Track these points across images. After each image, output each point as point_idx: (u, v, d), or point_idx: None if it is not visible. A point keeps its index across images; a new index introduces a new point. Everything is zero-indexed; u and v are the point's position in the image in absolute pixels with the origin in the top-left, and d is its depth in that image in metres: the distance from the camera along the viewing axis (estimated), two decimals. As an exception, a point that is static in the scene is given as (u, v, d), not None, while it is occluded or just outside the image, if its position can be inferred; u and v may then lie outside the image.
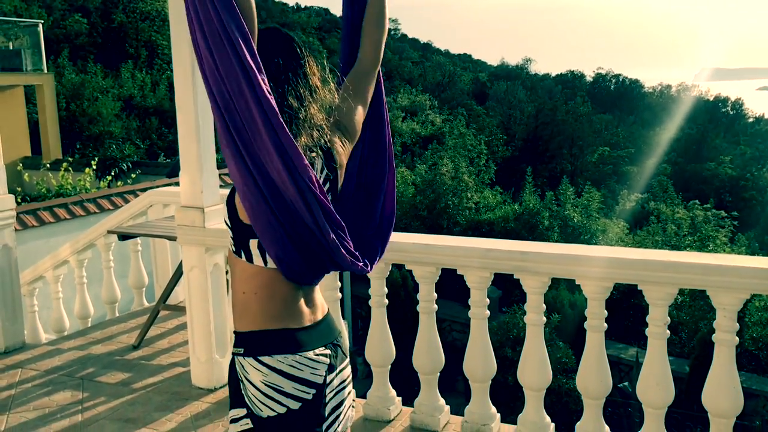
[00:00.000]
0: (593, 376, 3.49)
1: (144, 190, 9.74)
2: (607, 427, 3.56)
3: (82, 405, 4.21)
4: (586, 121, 37.15)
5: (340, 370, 2.03)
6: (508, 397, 11.97)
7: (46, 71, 17.19)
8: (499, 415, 3.82)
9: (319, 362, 1.95)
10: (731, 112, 54.85)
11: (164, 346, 5.26)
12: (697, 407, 11.27)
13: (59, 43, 29.95)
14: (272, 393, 1.89)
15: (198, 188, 4.20)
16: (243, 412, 1.95)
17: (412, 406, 3.91)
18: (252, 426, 1.93)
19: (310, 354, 1.93)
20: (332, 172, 1.97)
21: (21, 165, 12.86)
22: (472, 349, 3.72)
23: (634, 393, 12.92)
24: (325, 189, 1.95)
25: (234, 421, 1.98)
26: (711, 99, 58.58)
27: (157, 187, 9.24)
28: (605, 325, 3.48)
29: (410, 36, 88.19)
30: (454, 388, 14.43)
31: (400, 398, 4.05)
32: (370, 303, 3.88)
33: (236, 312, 1.97)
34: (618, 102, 58.87)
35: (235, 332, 1.98)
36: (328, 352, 1.99)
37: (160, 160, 20.94)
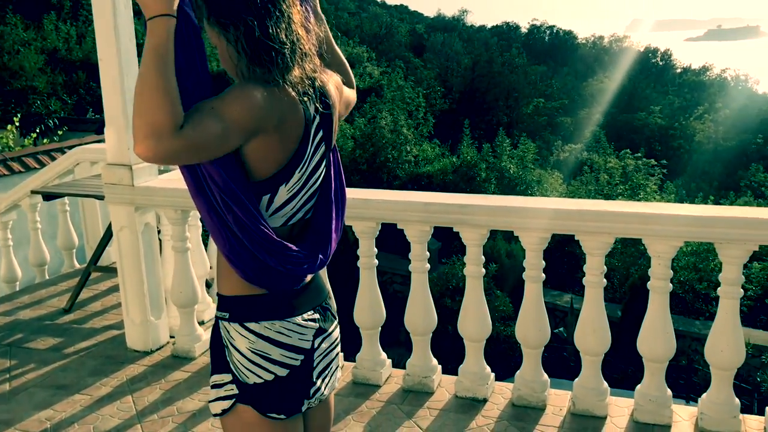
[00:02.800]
0: (532, 326, 3.53)
1: (72, 147, 9.35)
2: (545, 375, 3.62)
3: (9, 373, 4.05)
4: (522, 73, 37.49)
5: (329, 333, 1.97)
6: (449, 347, 12.19)
7: (-41, 22, 16.18)
8: (440, 366, 3.84)
9: (307, 327, 1.88)
10: (660, 63, 56.14)
11: (97, 309, 5.10)
12: (629, 350, 11.74)
13: (-27, -7, 28.24)
14: (259, 360, 1.82)
15: (125, 144, 4.02)
16: (227, 377, 1.88)
17: (354, 361, 3.89)
18: (237, 392, 1.87)
19: (298, 319, 1.86)
20: (326, 120, 1.85)
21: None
22: (413, 303, 3.71)
23: (569, 338, 13.33)
24: (319, 136, 1.84)
25: (217, 386, 1.90)
26: (641, 50, 59.80)
27: (86, 144, 8.88)
28: (543, 275, 3.51)
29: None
30: (397, 339, 14.62)
31: (341, 353, 4.03)
32: (358, 264, 3.78)
33: (220, 274, 1.87)
34: (552, 53, 59.54)
35: (218, 295, 1.89)
36: (316, 316, 1.92)
37: (88, 115, 20.16)
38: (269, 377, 1.83)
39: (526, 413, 3.50)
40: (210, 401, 1.93)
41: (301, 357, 1.86)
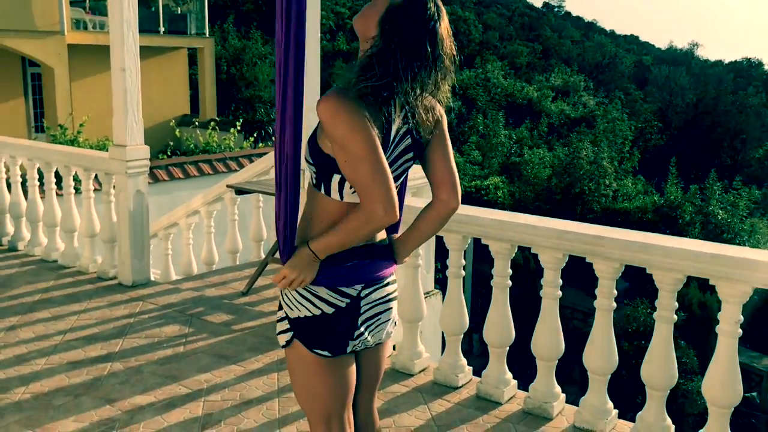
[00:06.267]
0: (659, 369, 3.43)
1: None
2: (668, 419, 3.51)
3: (186, 338, 4.69)
4: (754, 113, 34.44)
5: (380, 286, 2.21)
6: (626, 392, 11.65)
7: (207, 35, 18.39)
8: (564, 395, 3.85)
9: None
10: None
11: (269, 296, 5.67)
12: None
13: (226, 10, 31.77)
14: (308, 295, 2.12)
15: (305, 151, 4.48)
16: (284, 313, 2.21)
17: (527, 390, 3.90)
18: (289, 327, 2.19)
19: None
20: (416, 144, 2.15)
21: (173, 121, 13.98)
22: (541, 329, 3.77)
23: (760, 404, 12.15)
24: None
25: (280, 320, 2.25)
26: None
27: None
28: (674, 317, 3.41)
29: (574, 14, 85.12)
30: (571, 377, 14.22)
31: (470, 368, 4.17)
32: (492, 283, 3.92)
33: (302, 230, 2.17)
34: (798, 95, 54.08)
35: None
36: None
37: (305, 125, 21.73)
38: (317, 312, 2.11)
39: (642, 455, 3.42)
40: (277, 333, 2.25)
41: (347, 300, 2.12)
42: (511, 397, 3.96)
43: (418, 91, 2.04)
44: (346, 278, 2.12)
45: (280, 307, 2.23)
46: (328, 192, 2.10)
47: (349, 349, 2.17)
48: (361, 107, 1.98)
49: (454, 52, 2.08)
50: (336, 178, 2.07)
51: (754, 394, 12.82)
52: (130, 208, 5.52)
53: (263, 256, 6.93)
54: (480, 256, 14.14)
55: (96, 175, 5.96)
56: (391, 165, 2.09)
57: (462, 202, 2.32)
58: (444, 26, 2.05)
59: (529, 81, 40.98)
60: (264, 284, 5.96)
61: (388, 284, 2.24)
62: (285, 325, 2.20)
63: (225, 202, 6.91)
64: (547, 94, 37.66)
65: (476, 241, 3.98)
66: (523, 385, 4.02)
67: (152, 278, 5.95)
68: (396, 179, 2.13)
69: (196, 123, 14.68)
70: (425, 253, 4.84)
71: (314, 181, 2.14)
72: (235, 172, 10.59)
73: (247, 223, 7.22)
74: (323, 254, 2.06)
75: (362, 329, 2.17)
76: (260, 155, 11.40)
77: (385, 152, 2.04)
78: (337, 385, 2.20)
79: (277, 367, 4.31)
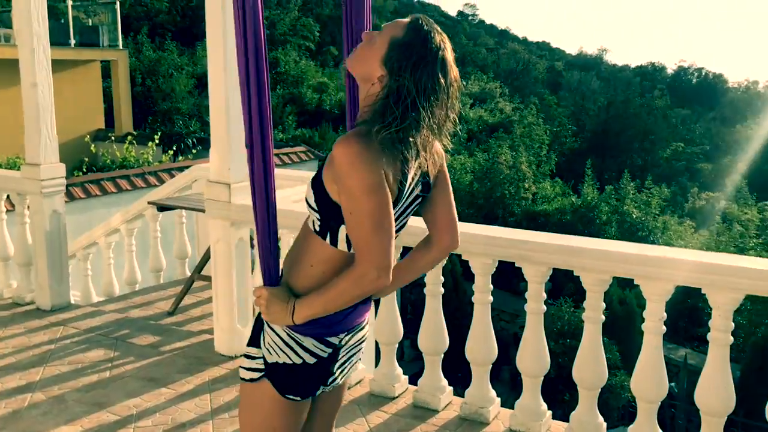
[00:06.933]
0: (588, 368, 3.52)
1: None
2: (600, 418, 3.60)
3: (112, 363, 4.51)
4: (661, 115, 36.15)
5: (358, 330, 2.13)
6: (553, 390, 11.93)
7: (121, 47, 17.87)
8: (498, 399, 3.90)
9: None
10: (820, 112, 52.17)
11: (196, 315, 5.54)
12: (744, 413, 11.00)
13: (139, 21, 30.99)
14: (293, 344, 2.00)
15: (226, 165, 4.40)
16: (260, 353, 2.08)
17: (461, 396, 3.93)
18: (263, 367, 2.06)
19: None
20: (425, 188, 2.06)
21: (88, 137, 13.52)
22: (473, 334, 3.81)
23: (678, 393, 12.68)
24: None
25: (249, 357, 2.11)
26: (800, 97, 55.95)
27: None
28: (602, 317, 3.52)
29: (487, 22, 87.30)
30: (500, 377, 14.48)
31: (406, 377, 4.18)
32: (425, 291, 3.94)
33: (291, 271, 2.04)
34: (698, 97, 57.31)
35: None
36: None
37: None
38: (298, 360, 2.00)
39: (577, 454, 3.49)
40: (240, 367, 2.14)
41: (330, 350, 2.03)
42: (448, 404, 3.98)
43: (436, 128, 1.94)
44: (333, 328, 2.03)
45: (255, 344, 2.10)
46: (334, 242, 1.97)
47: (318, 393, 2.11)
48: (382, 158, 1.85)
49: (459, 79, 1.99)
50: (345, 228, 1.95)
51: (673, 384, 13.38)
52: (46, 229, 5.29)
53: (189, 273, 6.77)
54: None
55: (8, 196, 5.69)
56: (403, 212, 2.01)
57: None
58: (449, 53, 1.95)
59: (448, 88, 41.62)
60: (191, 303, 5.82)
61: (364, 327, 2.16)
62: (258, 364, 2.08)
63: (146, 219, 6.71)
64: (465, 101, 38.40)
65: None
66: (455, 388, 4.06)
67: (72, 301, 5.71)
68: (401, 228, 2.05)
69: (112, 137, 14.25)
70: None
71: (317, 228, 1.99)
72: (156, 188, 10.36)
73: (170, 240, 7.03)
74: (301, 321, 1.97)
75: (336, 374, 2.11)
76: (181, 169, 11.15)
77: (400, 198, 1.94)
78: (296, 423, 2.13)
79: (209, 387, 4.20)
